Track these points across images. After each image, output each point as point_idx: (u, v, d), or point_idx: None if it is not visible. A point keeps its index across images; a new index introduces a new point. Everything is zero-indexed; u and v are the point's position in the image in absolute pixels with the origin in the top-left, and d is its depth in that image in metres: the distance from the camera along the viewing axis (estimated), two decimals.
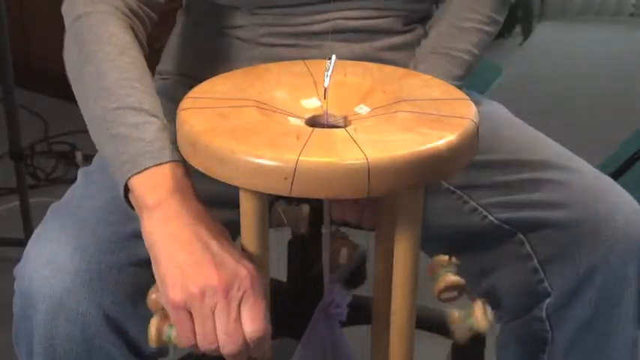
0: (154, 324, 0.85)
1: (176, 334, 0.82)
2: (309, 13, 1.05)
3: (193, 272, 0.77)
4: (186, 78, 1.12)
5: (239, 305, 0.78)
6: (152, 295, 0.86)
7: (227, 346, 0.78)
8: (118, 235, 0.91)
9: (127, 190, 0.84)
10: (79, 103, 0.90)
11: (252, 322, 0.78)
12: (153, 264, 0.81)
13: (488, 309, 0.92)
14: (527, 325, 1.04)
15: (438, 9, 1.13)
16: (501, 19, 1.10)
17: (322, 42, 1.06)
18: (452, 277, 0.94)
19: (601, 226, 0.97)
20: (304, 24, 1.06)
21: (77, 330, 0.89)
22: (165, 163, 0.83)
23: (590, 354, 1.02)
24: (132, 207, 0.84)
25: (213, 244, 0.79)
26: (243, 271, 0.78)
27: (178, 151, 0.83)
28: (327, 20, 1.06)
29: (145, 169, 0.82)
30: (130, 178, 0.82)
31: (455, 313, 0.93)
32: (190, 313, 0.78)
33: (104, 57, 0.89)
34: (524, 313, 1.04)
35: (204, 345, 0.78)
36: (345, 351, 0.98)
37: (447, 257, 0.96)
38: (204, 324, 0.78)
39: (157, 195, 0.81)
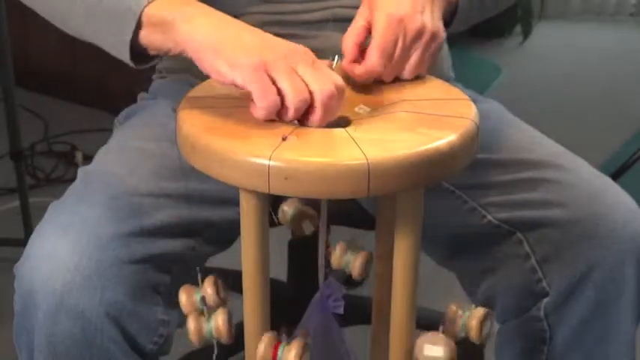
0: (192, 324, 0.85)
1: (254, 98, 0.80)
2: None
3: (269, 42, 0.82)
4: (185, 74, 1.12)
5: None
6: (182, 297, 0.86)
7: (323, 87, 0.79)
8: (118, 232, 0.91)
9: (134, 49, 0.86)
10: (60, 12, 0.92)
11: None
12: (212, 56, 0.82)
13: (487, 323, 0.90)
14: (526, 325, 1.04)
15: None
16: None
17: (321, 32, 1.06)
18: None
19: (599, 225, 0.97)
20: (302, 11, 1.06)
21: (77, 328, 0.89)
22: None
23: (588, 353, 1.02)
24: (140, 62, 0.88)
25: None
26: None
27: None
28: (326, 8, 1.06)
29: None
30: (142, 12, 0.85)
31: (453, 308, 0.90)
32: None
33: None
34: (523, 313, 1.04)
35: (295, 96, 0.79)
36: (340, 345, 0.98)
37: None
38: (292, 77, 0.79)
39: (183, 7, 0.85)
